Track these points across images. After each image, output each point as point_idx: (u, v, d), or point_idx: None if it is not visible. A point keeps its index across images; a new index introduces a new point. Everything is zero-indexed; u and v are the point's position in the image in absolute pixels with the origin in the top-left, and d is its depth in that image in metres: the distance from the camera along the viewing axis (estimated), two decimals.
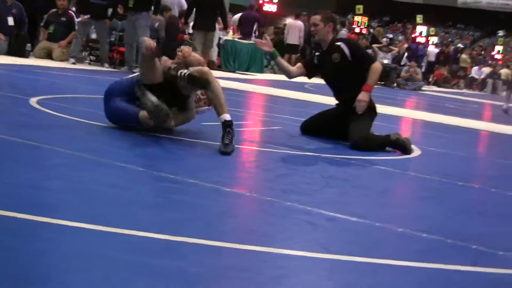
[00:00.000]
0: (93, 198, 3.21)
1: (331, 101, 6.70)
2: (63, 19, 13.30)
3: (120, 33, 13.51)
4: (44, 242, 2.45)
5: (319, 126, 6.51)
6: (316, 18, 6.50)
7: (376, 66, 6.27)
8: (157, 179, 3.82)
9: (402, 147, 6.04)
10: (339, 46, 6.34)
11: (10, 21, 12.55)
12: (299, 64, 6.92)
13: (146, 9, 12.29)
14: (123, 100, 5.16)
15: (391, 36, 28.93)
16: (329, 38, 6.44)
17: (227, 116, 4.99)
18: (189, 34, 14.96)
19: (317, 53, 6.65)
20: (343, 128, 6.19)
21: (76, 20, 13.16)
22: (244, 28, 19.02)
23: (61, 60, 12.68)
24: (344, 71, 6.31)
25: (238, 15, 19.77)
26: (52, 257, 2.32)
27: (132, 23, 12.35)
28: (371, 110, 6.32)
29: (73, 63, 12.37)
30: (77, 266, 2.28)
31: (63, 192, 3.22)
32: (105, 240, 2.59)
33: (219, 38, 16.28)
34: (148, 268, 2.34)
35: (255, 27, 18.79)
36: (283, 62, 6.79)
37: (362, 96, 6.15)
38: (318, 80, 7.11)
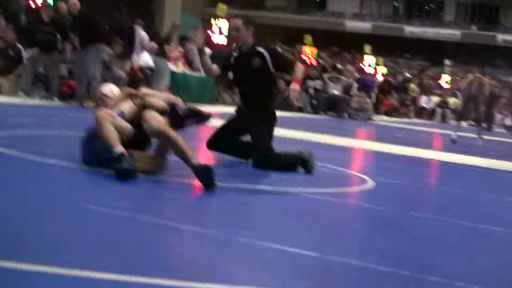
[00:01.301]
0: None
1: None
2: (11, 52, 13.19)
3: (70, 66, 13.44)
4: None
5: (225, 139, 6.58)
6: (238, 22, 6.55)
7: (300, 66, 6.60)
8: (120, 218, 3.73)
9: (305, 163, 6.28)
10: (261, 52, 6.46)
11: None
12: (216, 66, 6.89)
13: (93, 43, 12.18)
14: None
15: (340, 66, 29.09)
16: (250, 41, 6.54)
17: (196, 161, 4.89)
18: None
19: (234, 53, 6.69)
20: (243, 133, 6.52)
21: (24, 53, 13.05)
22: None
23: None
24: (261, 76, 6.47)
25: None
26: None
27: (81, 56, 12.26)
28: (271, 117, 6.55)
29: (23, 97, 12.22)
30: None
31: None
32: None
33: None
34: None
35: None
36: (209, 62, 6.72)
37: (294, 86, 6.32)
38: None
